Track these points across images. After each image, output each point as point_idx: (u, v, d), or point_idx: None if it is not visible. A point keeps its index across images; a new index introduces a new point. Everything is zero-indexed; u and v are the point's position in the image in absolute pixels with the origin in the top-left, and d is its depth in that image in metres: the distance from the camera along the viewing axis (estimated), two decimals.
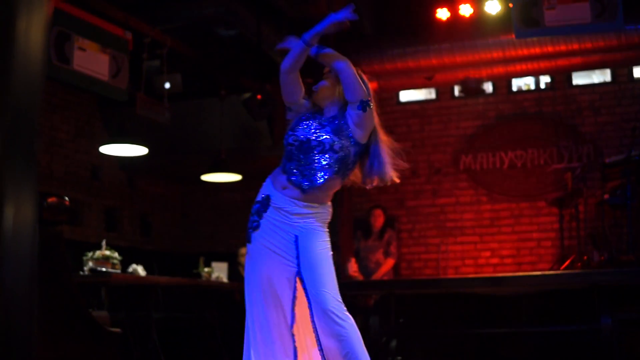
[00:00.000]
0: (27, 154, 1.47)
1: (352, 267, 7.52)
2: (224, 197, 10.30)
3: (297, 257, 3.21)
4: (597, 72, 9.10)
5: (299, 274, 3.20)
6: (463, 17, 7.62)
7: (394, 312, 6.44)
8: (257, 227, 3.27)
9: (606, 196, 7.16)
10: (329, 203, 3.35)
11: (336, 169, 3.24)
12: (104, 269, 5.86)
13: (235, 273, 7.89)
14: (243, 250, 7.20)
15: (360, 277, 7.62)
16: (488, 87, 9.38)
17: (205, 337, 7.11)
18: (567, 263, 7.30)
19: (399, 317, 6.48)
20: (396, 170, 3.34)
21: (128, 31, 6.71)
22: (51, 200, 4.51)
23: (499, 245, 9.20)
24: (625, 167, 6.87)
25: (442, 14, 7.74)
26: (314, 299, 3.14)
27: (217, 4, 6.98)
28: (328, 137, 3.22)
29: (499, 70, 8.04)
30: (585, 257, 7.41)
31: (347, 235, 7.78)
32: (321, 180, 3.21)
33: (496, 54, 7.64)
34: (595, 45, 7.36)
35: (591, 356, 5.94)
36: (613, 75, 9.09)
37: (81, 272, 5.85)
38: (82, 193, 8.68)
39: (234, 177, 8.35)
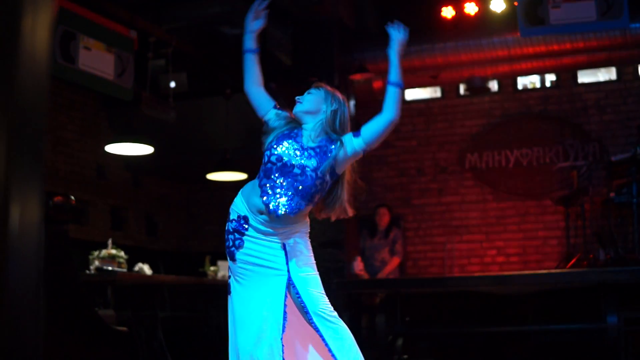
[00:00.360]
0: (34, 153, 1.47)
1: (358, 266, 7.52)
2: (230, 196, 10.25)
3: (287, 263, 3.17)
4: (603, 70, 9.09)
5: (289, 279, 3.16)
6: (468, 15, 7.62)
7: (400, 311, 6.45)
8: (241, 245, 3.21)
9: (612, 194, 7.17)
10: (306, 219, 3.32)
11: (311, 197, 3.19)
12: (110, 268, 5.88)
13: None
14: None
15: (366, 276, 7.62)
16: (493, 85, 9.36)
17: (211, 336, 7.12)
18: (573, 261, 7.29)
19: (405, 316, 6.49)
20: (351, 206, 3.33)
21: (133, 30, 6.70)
22: (57, 199, 4.53)
23: (505, 244, 9.19)
24: (631, 165, 6.87)
25: (448, 12, 7.75)
26: (307, 301, 3.14)
27: (222, 3, 6.98)
28: (311, 164, 3.17)
29: (504, 68, 8.04)
30: (591, 256, 7.40)
31: (353, 234, 7.78)
32: (296, 211, 3.16)
33: (501, 53, 7.63)
34: (600, 44, 7.35)
35: (597, 355, 5.94)
36: (618, 73, 9.07)
37: (87, 271, 5.87)
38: (87, 192, 8.69)
39: (240, 176, 8.35)
